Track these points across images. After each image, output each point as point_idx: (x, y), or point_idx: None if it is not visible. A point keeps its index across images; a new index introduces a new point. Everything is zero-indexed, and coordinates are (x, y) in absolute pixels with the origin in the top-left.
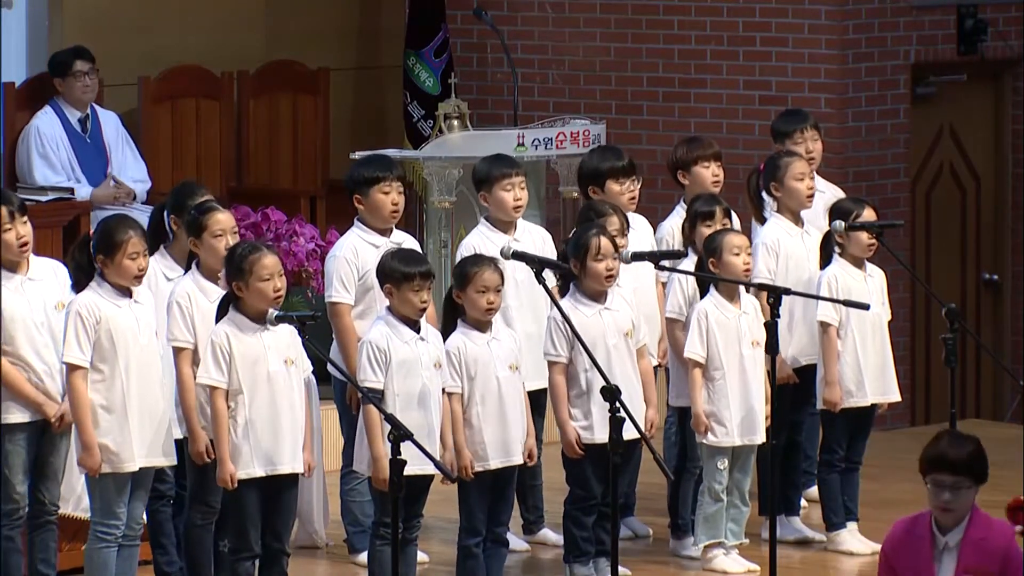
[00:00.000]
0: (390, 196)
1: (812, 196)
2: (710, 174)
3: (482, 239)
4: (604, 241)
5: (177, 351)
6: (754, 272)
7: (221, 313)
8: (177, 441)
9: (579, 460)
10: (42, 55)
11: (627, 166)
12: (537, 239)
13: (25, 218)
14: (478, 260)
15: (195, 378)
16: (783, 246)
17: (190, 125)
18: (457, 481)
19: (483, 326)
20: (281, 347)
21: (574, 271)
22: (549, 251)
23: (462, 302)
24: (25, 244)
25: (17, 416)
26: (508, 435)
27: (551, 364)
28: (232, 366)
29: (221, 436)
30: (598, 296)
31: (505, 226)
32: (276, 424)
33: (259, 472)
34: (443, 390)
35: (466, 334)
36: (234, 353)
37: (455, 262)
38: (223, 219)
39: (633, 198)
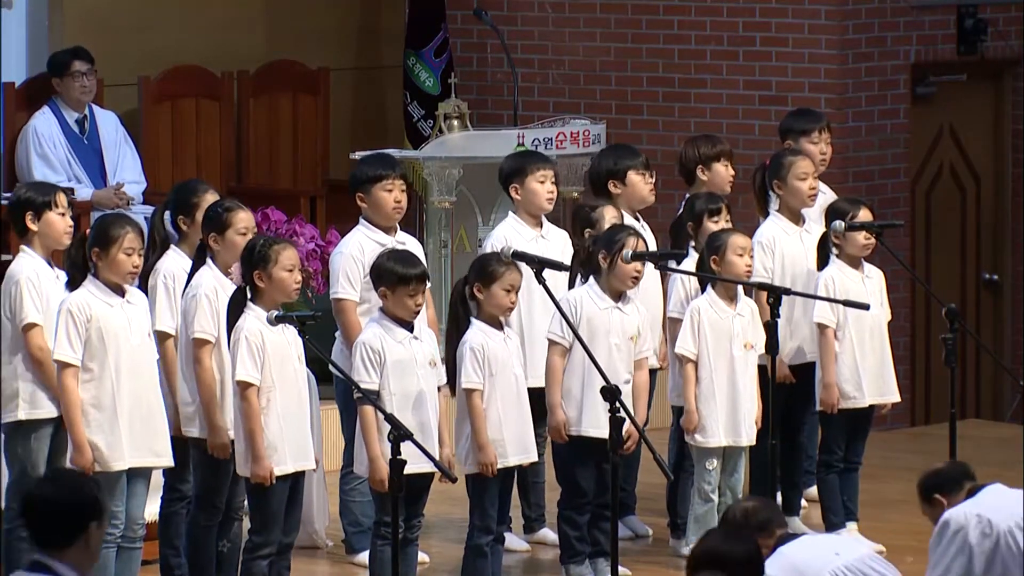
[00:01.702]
0: (392, 194)
1: (815, 196)
2: (728, 173)
3: (512, 232)
4: (640, 243)
5: (201, 343)
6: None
7: (234, 310)
8: (181, 439)
9: (569, 458)
10: (42, 55)
11: (645, 159)
12: (560, 241)
13: (72, 213)
14: (502, 259)
15: (220, 372)
16: (779, 244)
17: (190, 125)
18: (456, 480)
19: (497, 322)
20: (296, 344)
21: (602, 264)
22: (570, 255)
23: (482, 296)
24: (69, 234)
25: (47, 410)
26: (526, 432)
27: (552, 344)
28: (265, 362)
29: (256, 433)
30: (616, 295)
31: (533, 221)
32: (302, 419)
33: (291, 468)
34: (458, 387)
35: (485, 331)
36: (267, 349)
37: (479, 254)
38: (246, 217)
39: (652, 189)
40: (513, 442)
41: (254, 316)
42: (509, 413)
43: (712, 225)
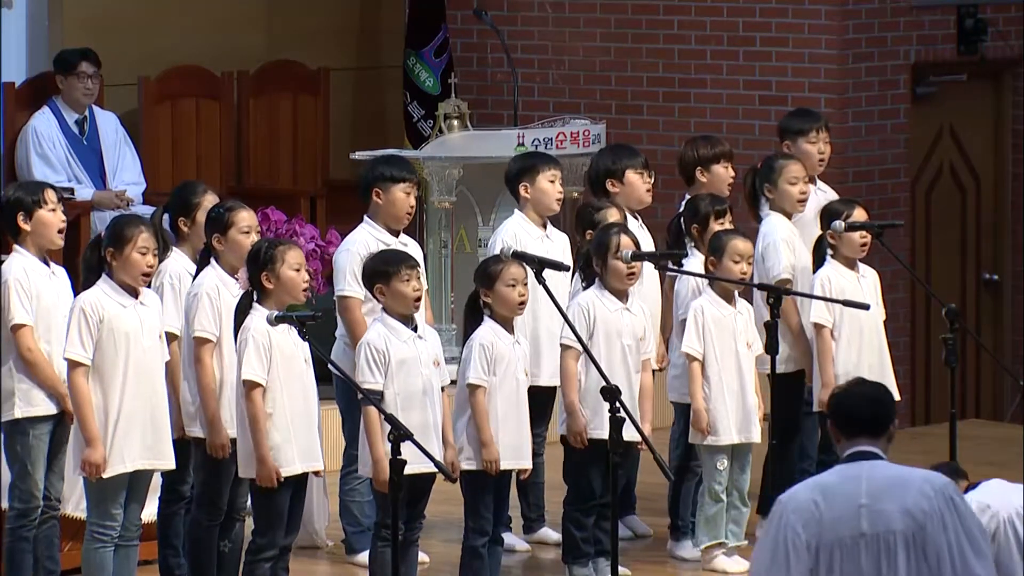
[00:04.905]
0: (409, 198)
1: (804, 201)
2: (728, 174)
3: (520, 229)
4: (625, 239)
5: (201, 342)
6: (778, 269)
7: (240, 313)
8: (183, 441)
9: (580, 458)
10: (42, 55)
11: (644, 160)
12: (562, 242)
13: (63, 209)
14: (499, 257)
15: (222, 372)
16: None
17: (190, 125)
18: (456, 480)
19: (509, 325)
20: (303, 344)
21: (595, 269)
22: (569, 259)
23: (491, 300)
24: (62, 231)
25: (43, 408)
26: (522, 439)
27: (565, 349)
28: (272, 362)
29: (261, 434)
30: (620, 295)
31: (539, 221)
32: (309, 420)
33: (299, 468)
34: (461, 382)
35: (495, 331)
36: (274, 349)
37: (488, 249)
38: (248, 216)
39: (649, 189)
40: (508, 446)
41: (261, 316)
42: (508, 417)
43: (717, 226)
